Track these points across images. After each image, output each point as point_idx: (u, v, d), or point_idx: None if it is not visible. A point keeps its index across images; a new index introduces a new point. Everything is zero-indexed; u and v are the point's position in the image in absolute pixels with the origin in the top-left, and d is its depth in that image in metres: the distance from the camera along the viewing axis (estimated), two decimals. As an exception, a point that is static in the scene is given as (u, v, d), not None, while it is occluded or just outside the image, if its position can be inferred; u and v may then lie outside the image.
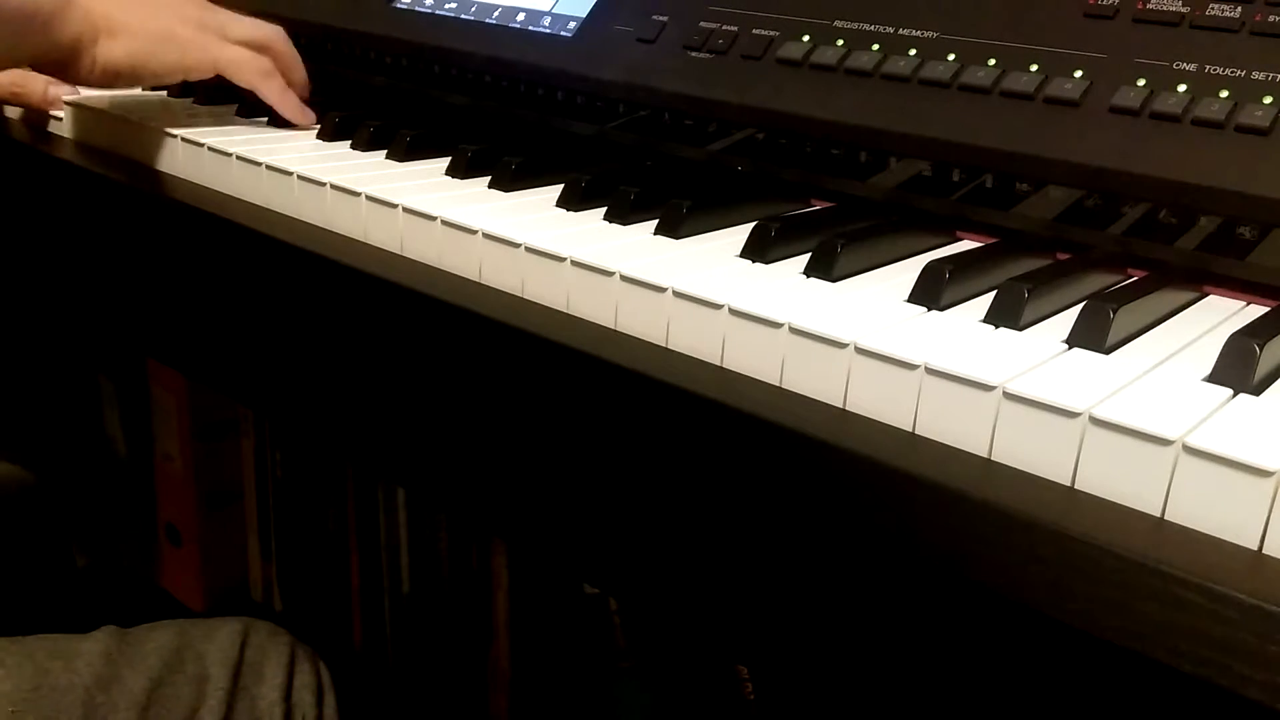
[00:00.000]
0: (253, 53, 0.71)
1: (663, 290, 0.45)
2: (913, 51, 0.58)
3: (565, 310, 0.49)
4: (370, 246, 0.57)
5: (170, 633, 0.69)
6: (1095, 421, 0.35)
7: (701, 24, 0.66)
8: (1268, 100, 0.48)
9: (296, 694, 0.70)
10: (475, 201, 0.57)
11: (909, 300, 0.46)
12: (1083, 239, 0.54)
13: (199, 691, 0.66)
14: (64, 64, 0.66)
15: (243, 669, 0.68)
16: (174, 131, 0.68)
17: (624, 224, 0.55)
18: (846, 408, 0.40)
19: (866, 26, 0.60)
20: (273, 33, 0.74)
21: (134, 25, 0.67)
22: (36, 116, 0.79)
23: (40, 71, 0.70)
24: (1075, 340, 0.42)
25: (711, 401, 0.41)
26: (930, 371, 0.38)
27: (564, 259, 0.49)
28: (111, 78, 0.67)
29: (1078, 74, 0.53)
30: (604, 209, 0.56)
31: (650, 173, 0.67)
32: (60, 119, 0.77)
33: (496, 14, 0.76)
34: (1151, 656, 0.32)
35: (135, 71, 0.68)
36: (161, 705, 0.64)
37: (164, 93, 0.82)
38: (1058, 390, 0.36)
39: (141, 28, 0.67)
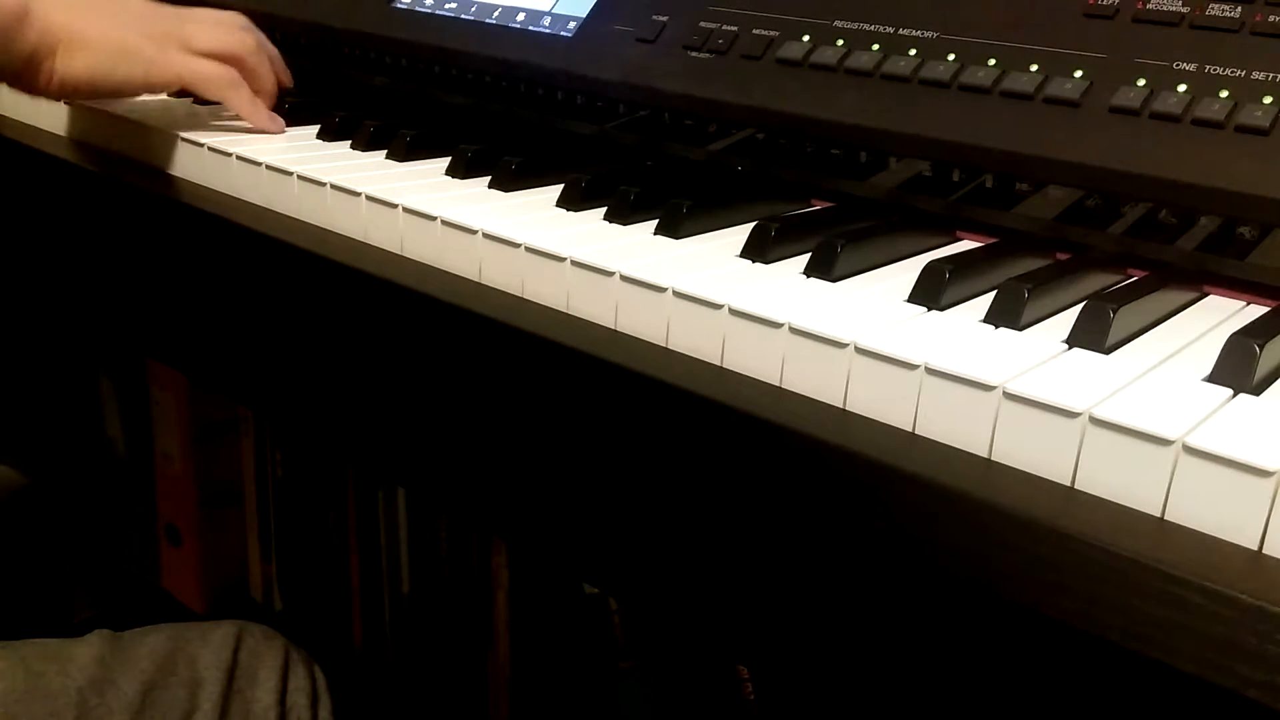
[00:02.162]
0: (217, 64, 0.69)
1: (663, 290, 0.45)
2: (913, 51, 0.58)
3: (565, 310, 0.49)
4: (370, 246, 0.57)
5: (163, 636, 0.69)
6: (1095, 421, 0.35)
7: (701, 24, 0.66)
8: (1268, 100, 0.48)
9: (291, 697, 0.70)
10: (475, 201, 0.57)
11: (909, 300, 0.46)
12: (1083, 239, 0.54)
13: (192, 695, 0.66)
14: (20, 76, 0.64)
15: (236, 672, 0.68)
16: (174, 131, 0.68)
17: (624, 224, 0.55)
18: (846, 408, 0.40)
19: (866, 26, 0.60)
20: (239, 41, 0.71)
21: (94, 37, 0.65)
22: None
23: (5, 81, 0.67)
24: (1075, 340, 0.42)
25: (711, 401, 0.41)
26: (930, 371, 0.38)
27: (564, 259, 0.49)
28: (69, 92, 0.66)
29: (1078, 74, 0.53)
30: (604, 209, 0.56)
31: (650, 173, 0.67)
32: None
33: (496, 14, 0.76)
34: (1151, 656, 0.32)
35: (94, 86, 0.66)
36: (155, 708, 0.64)
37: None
38: (1058, 390, 0.36)
39: (102, 40, 0.65)
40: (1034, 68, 0.54)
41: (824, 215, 0.59)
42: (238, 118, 0.75)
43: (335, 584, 1.22)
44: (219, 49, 0.70)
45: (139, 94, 0.69)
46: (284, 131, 0.72)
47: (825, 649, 0.43)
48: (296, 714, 0.69)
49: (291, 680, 0.70)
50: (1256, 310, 0.49)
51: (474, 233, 0.52)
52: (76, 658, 0.65)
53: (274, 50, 0.75)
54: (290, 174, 0.61)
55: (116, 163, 0.71)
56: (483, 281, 0.52)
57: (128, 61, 0.66)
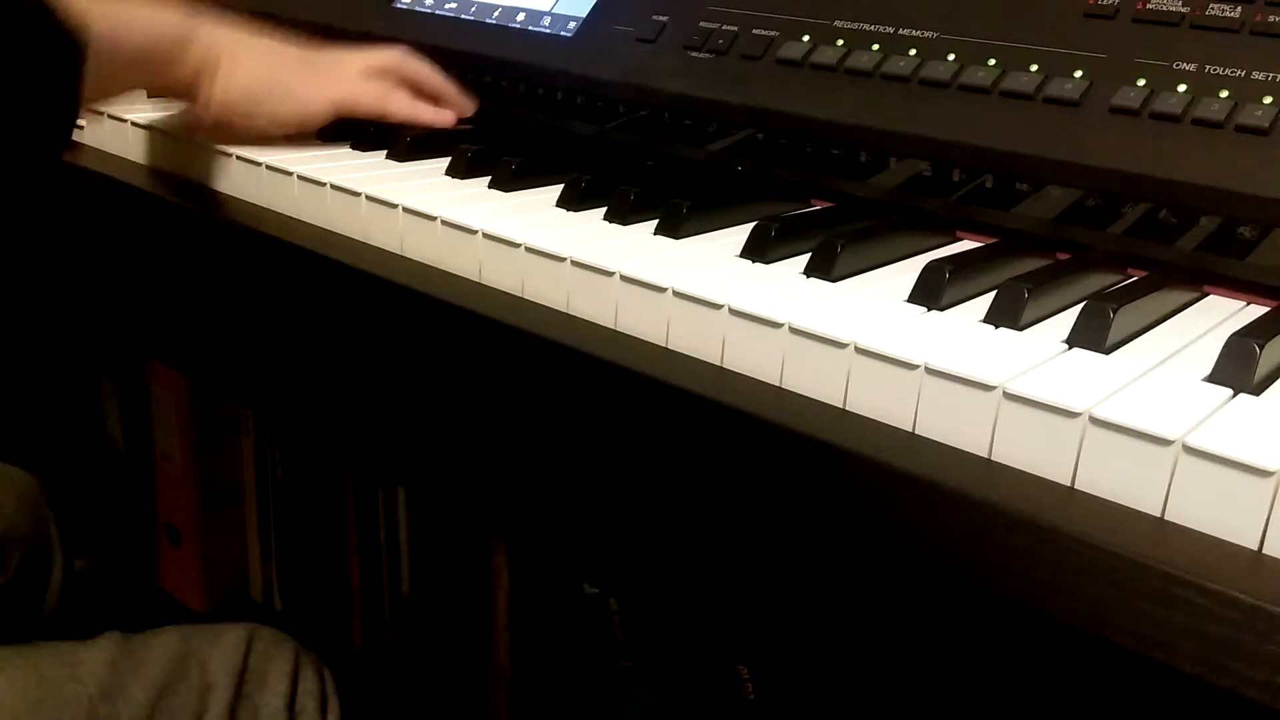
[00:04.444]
0: (367, 83, 0.69)
1: (663, 290, 0.45)
2: (913, 51, 0.58)
3: (565, 310, 0.49)
4: (370, 246, 0.57)
5: (174, 639, 0.68)
6: (1095, 421, 0.35)
7: (701, 24, 0.66)
8: (1268, 100, 0.48)
9: (300, 701, 0.69)
10: (475, 201, 0.57)
11: (909, 300, 0.46)
12: (1083, 239, 0.54)
13: (202, 700, 0.66)
14: (183, 97, 0.66)
15: (246, 676, 0.68)
16: (171, 131, 0.68)
17: (624, 224, 0.55)
18: (846, 408, 0.40)
19: (866, 26, 0.60)
20: (391, 56, 0.72)
21: (251, 63, 0.66)
22: None
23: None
24: (1075, 340, 0.42)
25: (711, 401, 0.41)
26: (930, 371, 0.38)
27: (564, 259, 0.49)
28: (227, 111, 0.66)
29: (1078, 74, 0.53)
30: (604, 209, 0.56)
31: (650, 173, 0.67)
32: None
33: (496, 14, 0.76)
34: (1152, 656, 0.32)
35: (251, 109, 0.66)
36: (165, 714, 0.64)
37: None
38: (1058, 390, 0.36)
39: (259, 65, 0.66)
40: (1034, 68, 0.54)
41: (824, 215, 0.59)
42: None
43: (335, 584, 1.22)
44: (371, 64, 0.70)
45: (294, 124, 0.68)
46: (453, 122, 0.72)
47: (825, 649, 0.43)
48: (306, 717, 0.69)
49: (301, 684, 0.70)
50: (1256, 310, 0.49)
51: (474, 233, 0.52)
52: (88, 663, 0.64)
53: (435, 71, 0.74)
54: (290, 174, 0.61)
55: (113, 163, 0.71)
56: (483, 281, 0.52)
57: (282, 90, 0.67)
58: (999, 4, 0.57)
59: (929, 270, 0.46)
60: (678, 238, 0.53)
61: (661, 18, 0.67)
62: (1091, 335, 0.42)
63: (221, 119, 0.66)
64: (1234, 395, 0.38)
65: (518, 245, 0.50)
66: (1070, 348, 0.41)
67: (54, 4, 0.54)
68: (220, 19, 0.67)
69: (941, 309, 0.45)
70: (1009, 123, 0.53)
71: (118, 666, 0.65)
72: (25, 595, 0.83)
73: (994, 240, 0.56)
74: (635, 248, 0.51)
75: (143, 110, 0.74)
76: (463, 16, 0.77)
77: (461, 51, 0.76)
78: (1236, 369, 0.38)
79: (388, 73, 0.71)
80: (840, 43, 0.60)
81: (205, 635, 0.70)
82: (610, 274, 0.47)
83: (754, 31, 0.64)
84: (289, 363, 0.64)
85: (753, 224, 0.52)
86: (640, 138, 0.70)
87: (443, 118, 0.72)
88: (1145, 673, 0.33)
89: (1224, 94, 0.49)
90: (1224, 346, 0.39)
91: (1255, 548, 0.33)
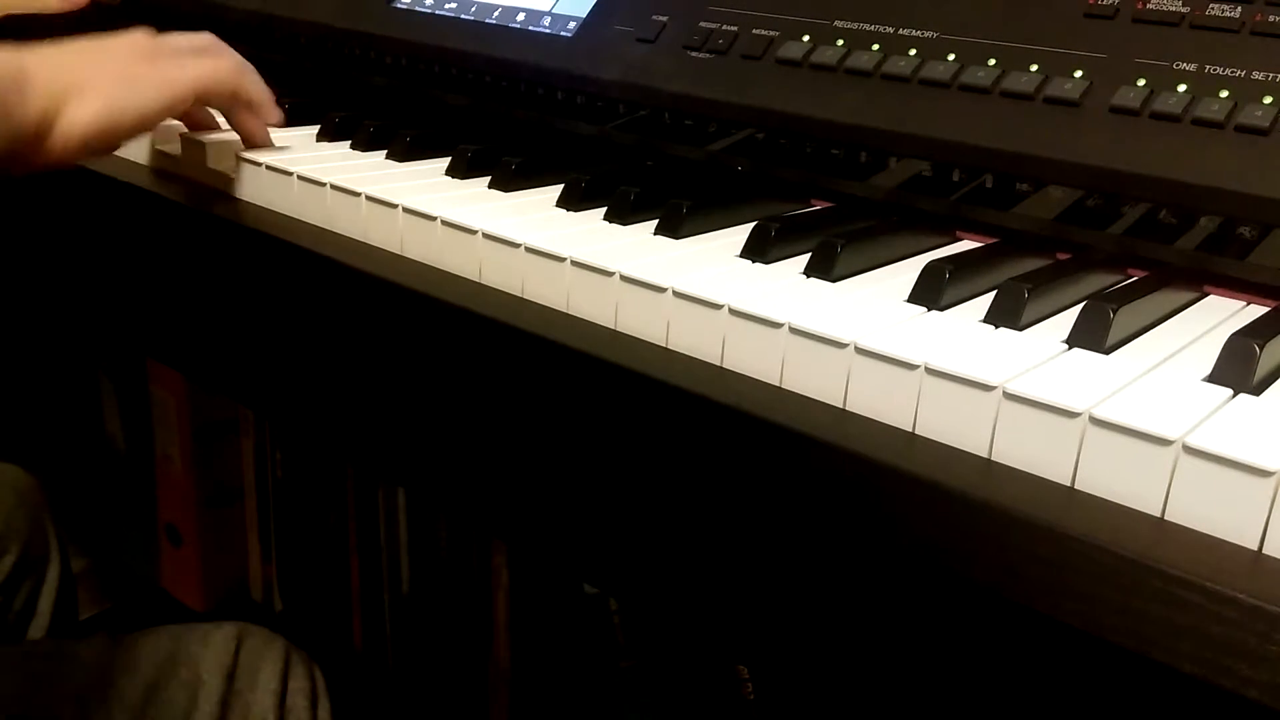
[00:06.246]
0: (216, 58, 0.62)
1: (663, 290, 0.45)
2: (913, 51, 0.58)
3: (565, 310, 0.49)
4: (370, 246, 0.57)
5: (165, 638, 0.69)
6: (1095, 421, 0.35)
7: (701, 24, 0.66)
8: (1268, 100, 0.48)
9: (291, 698, 0.70)
10: (475, 201, 0.57)
11: (909, 300, 0.46)
12: (1083, 239, 0.54)
13: (192, 697, 0.66)
14: (32, 146, 0.55)
15: (236, 674, 0.68)
16: (169, 129, 0.68)
17: (624, 224, 0.55)
18: (846, 408, 0.40)
19: (866, 26, 0.60)
20: (221, 62, 0.64)
21: (97, 78, 0.56)
22: None
23: (5, 165, 0.56)
24: (1075, 340, 0.42)
25: (711, 402, 0.41)
26: (930, 371, 0.38)
27: (564, 259, 0.49)
28: (86, 142, 0.56)
29: (1078, 74, 0.53)
30: (604, 209, 0.56)
31: (650, 173, 0.67)
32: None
33: (496, 14, 0.76)
34: (1151, 656, 0.32)
35: (113, 128, 0.57)
36: (156, 711, 0.64)
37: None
38: (1058, 390, 0.36)
39: (103, 77, 0.57)
40: (1034, 68, 0.54)
41: (824, 215, 0.59)
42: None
43: (335, 584, 1.22)
44: (196, 46, 0.63)
45: (161, 120, 0.61)
46: (281, 123, 0.68)
47: (825, 649, 0.43)
48: (296, 715, 0.69)
49: (291, 681, 0.70)
50: (1256, 310, 0.49)
51: (474, 233, 0.52)
52: (79, 660, 0.65)
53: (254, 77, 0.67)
54: (290, 174, 0.61)
55: (110, 162, 0.71)
56: (483, 281, 0.52)
57: (139, 88, 0.58)
58: (999, 4, 0.57)
59: (929, 270, 0.46)
60: (678, 238, 0.53)
61: (661, 18, 0.67)
62: (1091, 335, 0.42)
63: (85, 155, 0.58)
64: (1234, 395, 0.38)
65: (517, 245, 0.50)
66: (1070, 348, 0.41)
67: None
68: (47, 41, 0.56)
69: (941, 309, 0.45)
70: (1009, 123, 0.53)
71: (108, 666, 0.65)
72: (20, 593, 0.83)
73: (994, 240, 0.56)
74: (635, 248, 0.51)
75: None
76: (463, 16, 0.77)
77: (462, 51, 0.76)
78: (1236, 369, 0.38)
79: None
80: (840, 43, 0.60)
81: (195, 634, 0.70)
82: (610, 274, 0.47)
83: (754, 31, 0.64)
84: (289, 363, 0.64)
85: (753, 224, 0.52)
86: (640, 138, 0.70)
87: (276, 117, 0.65)
88: (1145, 673, 0.33)
89: (1224, 94, 0.49)
90: (1224, 346, 0.39)
91: (1255, 548, 0.33)
